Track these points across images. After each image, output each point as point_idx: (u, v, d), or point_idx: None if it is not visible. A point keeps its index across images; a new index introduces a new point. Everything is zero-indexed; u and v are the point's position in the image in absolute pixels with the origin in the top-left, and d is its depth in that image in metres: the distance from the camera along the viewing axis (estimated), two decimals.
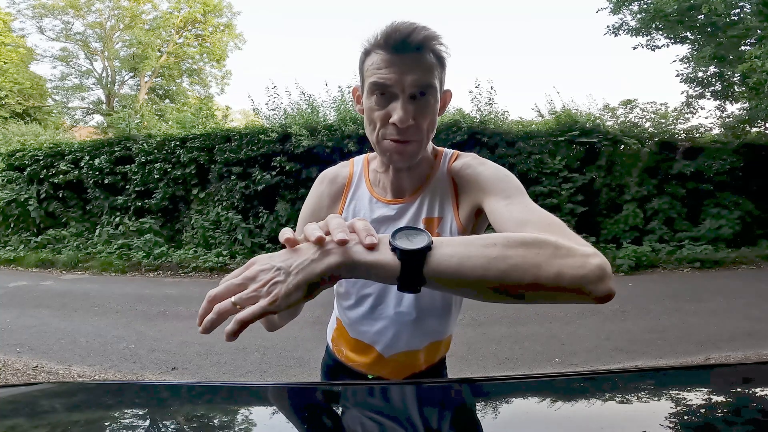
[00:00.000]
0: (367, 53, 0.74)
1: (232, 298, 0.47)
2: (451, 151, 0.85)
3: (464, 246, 0.50)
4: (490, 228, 0.74)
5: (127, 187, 7.49)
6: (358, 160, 0.90)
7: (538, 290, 0.50)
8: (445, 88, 0.78)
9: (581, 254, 0.51)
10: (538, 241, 0.51)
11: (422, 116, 0.72)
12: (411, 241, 0.50)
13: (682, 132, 7.82)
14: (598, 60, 47.87)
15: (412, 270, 0.48)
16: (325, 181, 0.89)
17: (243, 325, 0.46)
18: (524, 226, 0.61)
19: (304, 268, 0.48)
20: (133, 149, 7.38)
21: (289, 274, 0.48)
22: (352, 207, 0.86)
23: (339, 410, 0.56)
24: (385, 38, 0.69)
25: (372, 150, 0.81)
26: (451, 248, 0.50)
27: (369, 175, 0.87)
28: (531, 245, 0.50)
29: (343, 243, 0.49)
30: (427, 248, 0.49)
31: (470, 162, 0.80)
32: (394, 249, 0.49)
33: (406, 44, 0.68)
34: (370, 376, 0.90)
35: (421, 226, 0.80)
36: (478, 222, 0.81)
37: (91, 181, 7.59)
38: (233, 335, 0.46)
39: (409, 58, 0.69)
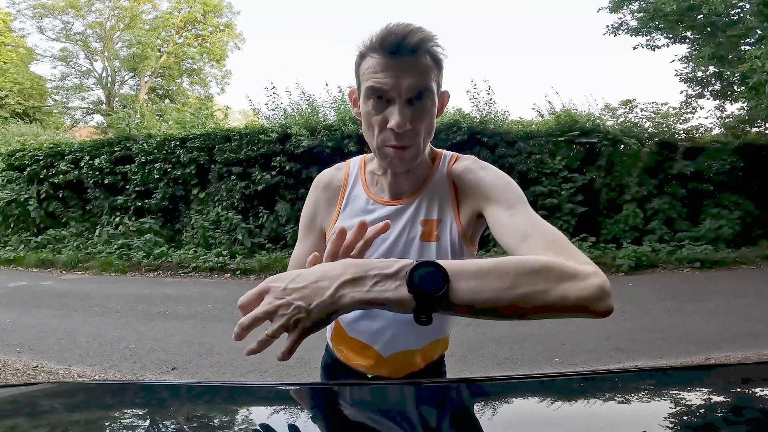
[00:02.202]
0: (362, 56, 0.73)
1: (267, 331, 0.52)
2: (450, 153, 0.85)
3: (477, 279, 0.51)
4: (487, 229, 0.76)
5: (127, 187, 7.49)
6: (355, 162, 0.89)
7: (544, 312, 0.52)
8: (443, 88, 0.77)
9: (584, 275, 0.53)
10: (546, 267, 0.53)
11: (420, 120, 0.72)
12: (428, 277, 0.50)
13: (682, 132, 7.82)
14: (598, 60, 47.85)
15: (429, 308, 0.50)
16: (319, 186, 0.89)
17: (291, 352, 0.53)
18: (527, 240, 0.63)
19: (325, 308, 0.51)
20: (133, 149, 7.38)
21: (310, 312, 0.51)
22: (348, 210, 0.85)
23: (339, 410, 0.56)
24: (380, 41, 0.69)
25: (371, 150, 0.81)
26: (465, 282, 0.51)
27: (366, 176, 0.86)
28: (539, 272, 0.52)
29: None
30: (446, 289, 0.50)
31: (471, 166, 0.80)
32: (411, 287, 0.50)
33: (402, 47, 0.68)
34: (369, 375, 0.90)
35: (419, 227, 0.80)
36: (478, 224, 0.81)
37: (91, 181, 7.59)
38: (289, 354, 0.53)
39: (405, 61, 0.69)
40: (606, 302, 0.53)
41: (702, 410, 0.52)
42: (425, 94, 0.71)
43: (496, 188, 0.74)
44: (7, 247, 7.62)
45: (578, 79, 42.01)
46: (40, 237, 7.61)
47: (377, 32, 0.69)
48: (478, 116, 6.80)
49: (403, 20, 0.70)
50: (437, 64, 0.72)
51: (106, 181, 7.50)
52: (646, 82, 41.83)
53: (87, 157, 7.58)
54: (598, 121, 7.08)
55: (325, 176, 0.90)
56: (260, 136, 6.74)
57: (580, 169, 6.80)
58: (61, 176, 7.72)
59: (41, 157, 7.88)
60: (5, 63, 16.53)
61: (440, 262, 0.51)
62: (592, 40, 41.35)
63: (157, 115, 10.71)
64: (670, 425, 0.47)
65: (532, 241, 0.63)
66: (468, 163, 0.81)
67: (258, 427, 0.48)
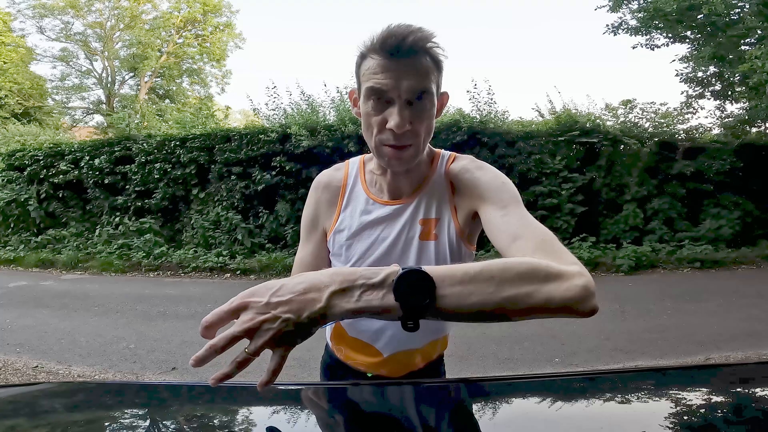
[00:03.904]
0: (363, 57, 0.73)
1: (247, 348, 0.49)
2: (449, 152, 0.86)
3: (463, 284, 0.51)
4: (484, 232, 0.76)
5: (127, 187, 7.48)
6: (354, 162, 0.90)
7: (530, 314, 0.52)
8: (443, 89, 0.78)
9: (568, 276, 0.53)
10: (530, 270, 0.53)
11: (419, 121, 0.72)
12: (414, 285, 0.50)
13: (682, 132, 7.82)
14: (598, 60, 47.78)
15: (415, 316, 0.50)
16: (319, 187, 0.89)
17: (276, 374, 0.49)
18: (517, 241, 0.64)
19: (313, 319, 0.49)
20: (133, 149, 7.38)
21: (299, 324, 0.49)
22: (349, 210, 0.85)
23: (339, 410, 0.56)
24: (380, 42, 0.69)
25: (370, 150, 0.81)
26: (450, 288, 0.51)
27: (365, 176, 0.87)
28: (524, 275, 0.52)
29: None
30: (432, 298, 0.50)
31: (468, 166, 0.80)
32: (397, 296, 0.50)
33: (402, 48, 0.68)
34: (369, 375, 0.90)
35: (419, 226, 0.81)
36: (475, 223, 0.81)
37: (91, 181, 7.59)
38: (274, 375, 0.50)
39: (405, 62, 0.69)
40: (590, 302, 0.53)
41: (702, 410, 0.52)
42: (425, 96, 0.71)
43: (492, 188, 0.74)
44: (7, 247, 7.62)
45: (578, 79, 42.03)
46: (40, 237, 7.60)
47: (378, 33, 0.69)
48: (478, 116, 6.80)
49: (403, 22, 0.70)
50: (437, 65, 0.72)
51: (106, 181, 7.50)
52: (646, 82, 41.81)
53: (87, 157, 7.57)
54: (598, 121, 7.08)
55: (324, 176, 0.90)
56: (260, 136, 6.74)
57: (580, 169, 6.79)
58: (61, 176, 7.71)
59: (41, 157, 7.87)
60: (5, 63, 16.51)
61: (426, 268, 0.51)
62: (592, 40, 41.42)
63: (157, 115, 10.70)
64: (670, 425, 0.47)
65: (523, 242, 0.63)
66: (465, 163, 0.81)
67: (258, 427, 0.48)
